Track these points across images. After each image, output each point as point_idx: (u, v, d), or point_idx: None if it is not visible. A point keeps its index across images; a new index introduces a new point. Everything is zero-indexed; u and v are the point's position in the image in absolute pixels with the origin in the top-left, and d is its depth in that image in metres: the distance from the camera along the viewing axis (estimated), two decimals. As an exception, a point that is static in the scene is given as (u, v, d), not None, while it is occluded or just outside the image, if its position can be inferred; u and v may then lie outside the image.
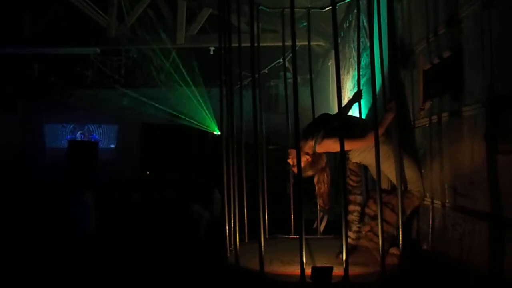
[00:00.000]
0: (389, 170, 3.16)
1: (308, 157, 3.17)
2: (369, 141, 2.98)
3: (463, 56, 2.67)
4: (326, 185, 3.29)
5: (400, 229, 2.78)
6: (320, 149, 3.14)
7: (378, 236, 3.09)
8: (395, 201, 3.11)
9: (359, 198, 3.36)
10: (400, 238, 2.80)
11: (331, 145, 3.09)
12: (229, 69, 3.19)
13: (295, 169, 3.05)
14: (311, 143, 3.15)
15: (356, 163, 3.32)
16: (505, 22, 2.24)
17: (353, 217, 3.31)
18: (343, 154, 2.71)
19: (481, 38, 2.44)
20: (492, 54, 2.34)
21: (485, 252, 2.39)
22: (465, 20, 2.64)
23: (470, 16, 2.58)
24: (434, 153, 3.14)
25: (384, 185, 3.34)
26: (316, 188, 3.34)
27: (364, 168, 3.51)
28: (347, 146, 2.86)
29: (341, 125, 2.75)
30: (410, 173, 3.16)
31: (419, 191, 3.20)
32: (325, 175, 3.29)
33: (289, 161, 3.24)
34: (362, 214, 3.36)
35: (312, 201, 4.06)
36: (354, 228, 3.32)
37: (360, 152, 3.22)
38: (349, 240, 3.26)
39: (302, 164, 3.01)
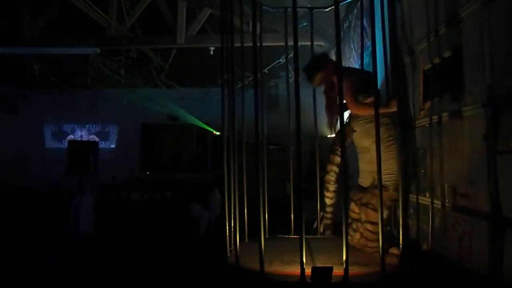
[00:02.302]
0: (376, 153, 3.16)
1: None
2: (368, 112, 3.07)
3: (463, 56, 2.67)
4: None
5: (401, 229, 2.78)
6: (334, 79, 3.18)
7: (370, 240, 3.12)
8: (374, 200, 3.13)
9: (337, 159, 3.40)
10: (401, 238, 2.81)
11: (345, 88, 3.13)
12: (231, 68, 3.20)
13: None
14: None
15: (352, 130, 3.34)
16: (505, 22, 2.24)
17: (329, 177, 3.37)
18: (343, 158, 2.72)
19: (481, 38, 2.44)
20: (492, 54, 2.34)
21: (485, 252, 2.39)
22: (465, 20, 2.64)
23: (470, 16, 2.58)
24: (434, 153, 3.14)
25: (367, 181, 3.34)
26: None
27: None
28: (353, 104, 3.12)
29: (342, 137, 2.76)
30: (393, 165, 3.11)
31: (393, 184, 3.15)
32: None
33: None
34: (339, 175, 3.40)
35: (312, 201, 4.06)
36: (331, 188, 3.35)
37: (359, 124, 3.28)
38: (328, 201, 3.33)
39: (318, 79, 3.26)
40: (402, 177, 3.00)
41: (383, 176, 2.82)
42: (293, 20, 2.70)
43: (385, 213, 3.03)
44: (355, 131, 3.30)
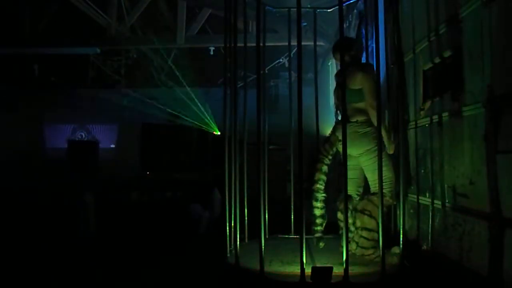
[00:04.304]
0: (367, 164, 3.13)
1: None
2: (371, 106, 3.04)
3: (463, 56, 2.67)
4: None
5: (401, 230, 2.78)
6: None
7: (366, 248, 3.10)
8: (370, 206, 3.10)
9: (325, 168, 3.28)
10: (401, 238, 2.81)
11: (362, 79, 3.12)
12: (234, 68, 3.21)
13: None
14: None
15: (338, 139, 3.23)
16: (504, 22, 2.24)
17: (318, 186, 3.23)
18: (345, 160, 2.72)
19: (481, 38, 2.44)
20: (492, 54, 2.34)
21: (485, 252, 2.39)
22: (465, 20, 2.64)
23: (470, 16, 2.58)
24: (434, 153, 3.14)
25: (350, 188, 3.25)
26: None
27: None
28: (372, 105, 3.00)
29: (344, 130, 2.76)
30: (386, 172, 3.00)
31: (390, 191, 3.10)
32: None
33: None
34: (326, 183, 3.30)
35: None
36: (320, 197, 3.23)
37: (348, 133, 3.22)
38: (317, 211, 3.21)
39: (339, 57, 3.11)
40: (402, 178, 3.00)
41: (378, 184, 2.81)
42: (297, 21, 2.69)
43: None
44: (341, 140, 3.26)
